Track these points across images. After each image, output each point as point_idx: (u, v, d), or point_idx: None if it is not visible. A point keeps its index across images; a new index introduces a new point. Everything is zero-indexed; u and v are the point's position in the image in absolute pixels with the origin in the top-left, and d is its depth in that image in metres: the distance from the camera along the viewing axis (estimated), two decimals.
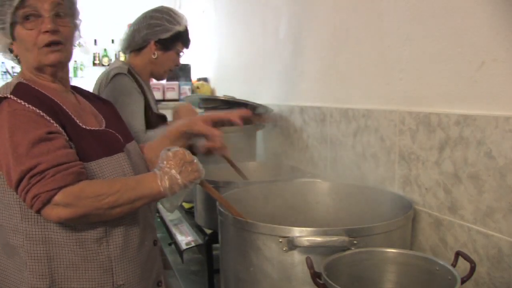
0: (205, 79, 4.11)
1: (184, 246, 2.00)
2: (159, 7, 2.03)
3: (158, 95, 3.82)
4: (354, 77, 1.79)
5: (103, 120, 1.43)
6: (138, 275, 1.36)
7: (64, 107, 1.29)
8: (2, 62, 6.36)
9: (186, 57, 4.41)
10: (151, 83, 2.19)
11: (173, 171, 1.24)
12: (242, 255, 1.30)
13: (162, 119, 2.12)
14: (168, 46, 2.00)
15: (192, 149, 1.48)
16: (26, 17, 1.26)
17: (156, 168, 1.26)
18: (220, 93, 3.72)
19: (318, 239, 1.15)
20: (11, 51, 1.32)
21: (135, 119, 1.86)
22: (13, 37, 1.29)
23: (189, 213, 2.24)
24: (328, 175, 1.94)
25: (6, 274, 1.28)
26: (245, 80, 3.11)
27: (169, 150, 1.28)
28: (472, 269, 1.00)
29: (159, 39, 1.98)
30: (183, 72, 4.10)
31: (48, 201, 1.13)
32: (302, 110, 2.18)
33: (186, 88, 3.91)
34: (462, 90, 1.27)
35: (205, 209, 1.93)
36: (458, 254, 1.08)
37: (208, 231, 1.93)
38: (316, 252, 1.15)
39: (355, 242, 1.16)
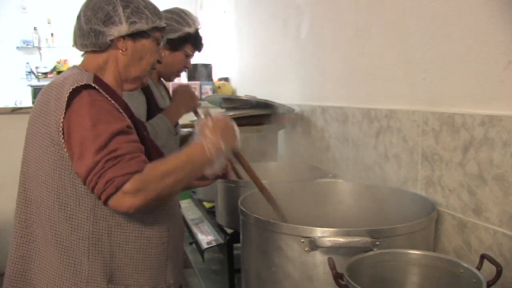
0: (227, 79, 4.13)
1: (205, 246, 2.01)
2: (172, 8, 2.04)
3: None
4: (376, 77, 1.78)
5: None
6: (179, 275, 1.44)
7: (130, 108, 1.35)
8: (27, 62, 6.48)
9: (207, 57, 4.44)
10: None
11: (217, 139, 1.27)
12: (263, 255, 1.30)
13: None
14: (176, 46, 2.00)
15: None
16: (160, 39, 1.41)
17: (200, 136, 1.28)
18: (242, 93, 3.72)
19: (341, 239, 1.15)
20: (111, 40, 1.33)
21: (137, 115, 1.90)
22: (133, 39, 1.35)
23: (210, 213, 2.25)
24: (350, 175, 1.93)
25: (61, 271, 1.27)
26: (267, 80, 3.11)
27: (209, 116, 1.32)
28: (499, 272, 0.98)
29: (166, 39, 1.99)
30: (205, 72, 4.12)
31: (120, 187, 1.14)
32: (324, 110, 2.18)
33: (207, 88, 3.93)
34: (487, 90, 1.25)
35: (226, 209, 1.93)
36: (483, 257, 1.06)
37: (229, 231, 1.93)
38: (338, 252, 1.15)
39: (377, 243, 1.15)
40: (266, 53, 3.12)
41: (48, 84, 1.31)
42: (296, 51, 2.54)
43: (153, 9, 1.38)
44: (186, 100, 2.03)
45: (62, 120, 1.19)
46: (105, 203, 1.17)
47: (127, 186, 1.14)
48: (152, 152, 1.32)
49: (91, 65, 1.34)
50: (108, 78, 1.35)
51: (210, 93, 3.90)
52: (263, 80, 3.18)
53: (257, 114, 2.36)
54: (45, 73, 6.54)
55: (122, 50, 1.34)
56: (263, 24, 3.16)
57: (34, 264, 1.29)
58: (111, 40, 1.32)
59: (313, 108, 2.29)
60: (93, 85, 1.22)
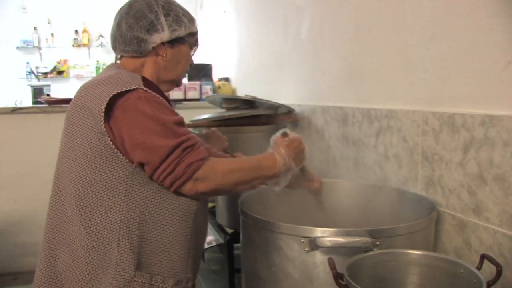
0: (227, 79, 4.12)
1: (205, 245, 2.01)
2: None
3: (179, 94, 3.84)
4: (376, 77, 1.78)
5: None
6: (196, 272, 1.46)
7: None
8: (27, 62, 6.47)
9: (207, 57, 4.42)
10: None
11: (290, 158, 1.36)
12: (263, 254, 1.30)
13: None
14: None
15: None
16: (195, 44, 1.48)
17: (273, 150, 1.37)
18: (242, 93, 3.72)
19: (341, 239, 1.15)
20: (153, 48, 1.38)
21: None
22: (172, 45, 1.41)
23: (211, 212, 2.24)
24: (350, 175, 1.93)
25: (92, 259, 1.29)
26: (267, 80, 3.11)
27: (286, 134, 1.41)
28: (499, 272, 0.98)
29: None
30: (205, 72, 4.12)
31: (196, 171, 1.24)
32: (324, 110, 2.18)
33: (207, 88, 3.92)
34: (487, 90, 1.25)
35: (226, 209, 1.94)
36: (483, 257, 1.06)
37: (230, 231, 1.93)
38: (338, 252, 1.15)
39: (377, 243, 1.15)
40: (266, 53, 3.12)
41: (90, 81, 1.35)
42: (296, 51, 2.54)
43: (189, 15, 1.45)
44: (215, 139, 1.98)
45: (103, 111, 1.22)
46: (179, 187, 1.25)
47: (199, 173, 1.24)
48: None
49: (128, 67, 1.40)
50: None
51: (210, 93, 3.90)
52: (263, 80, 3.18)
53: (257, 114, 2.35)
54: (45, 73, 6.52)
55: (162, 56, 1.40)
56: (263, 24, 3.16)
57: (64, 252, 1.32)
58: (153, 47, 1.38)
59: (313, 108, 2.29)
60: (144, 88, 1.27)
